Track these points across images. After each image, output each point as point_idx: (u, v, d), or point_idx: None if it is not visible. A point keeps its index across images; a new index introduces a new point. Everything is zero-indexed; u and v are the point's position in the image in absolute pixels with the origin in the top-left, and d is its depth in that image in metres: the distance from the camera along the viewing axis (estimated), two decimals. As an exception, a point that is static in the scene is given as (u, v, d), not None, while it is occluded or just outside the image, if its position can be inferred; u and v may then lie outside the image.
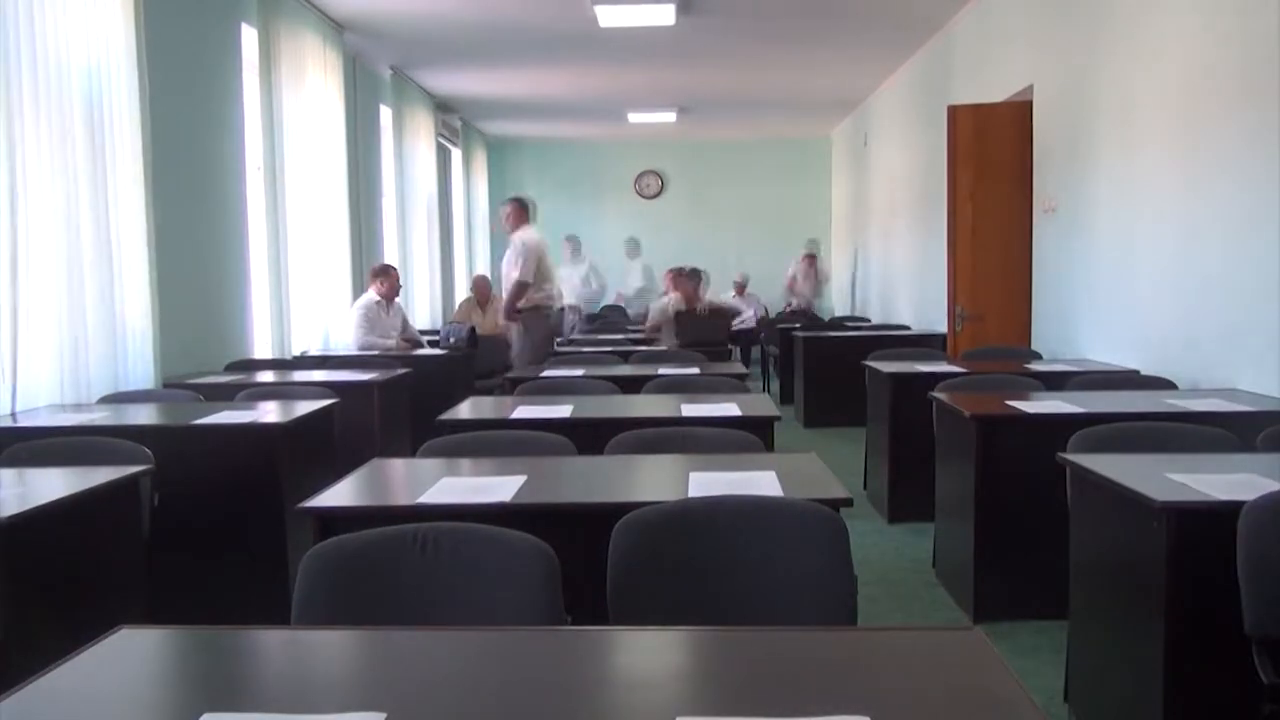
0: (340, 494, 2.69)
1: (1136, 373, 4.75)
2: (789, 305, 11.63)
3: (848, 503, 2.36)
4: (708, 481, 2.56)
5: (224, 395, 4.50)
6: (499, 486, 2.61)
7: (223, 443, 3.81)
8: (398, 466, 3.14)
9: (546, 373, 5.11)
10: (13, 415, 4.03)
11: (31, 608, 2.59)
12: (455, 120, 11.60)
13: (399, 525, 2.00)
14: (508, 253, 7.35)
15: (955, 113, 6.58)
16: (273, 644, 1.71)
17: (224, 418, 3.86)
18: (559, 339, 7.87)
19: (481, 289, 9.15)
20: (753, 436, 3.22)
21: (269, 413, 3.97)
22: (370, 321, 6.90)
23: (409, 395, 5.83)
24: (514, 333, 7.22)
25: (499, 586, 1.90)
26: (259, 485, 3.74)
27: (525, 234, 7.36)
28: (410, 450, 4.38)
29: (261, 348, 6.34)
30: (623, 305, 11.97)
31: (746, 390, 4.57)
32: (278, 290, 6.47)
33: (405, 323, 7.29)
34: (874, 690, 1.42)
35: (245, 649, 1.68)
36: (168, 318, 5.06)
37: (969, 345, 6.22)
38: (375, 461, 3.25)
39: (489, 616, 1.86)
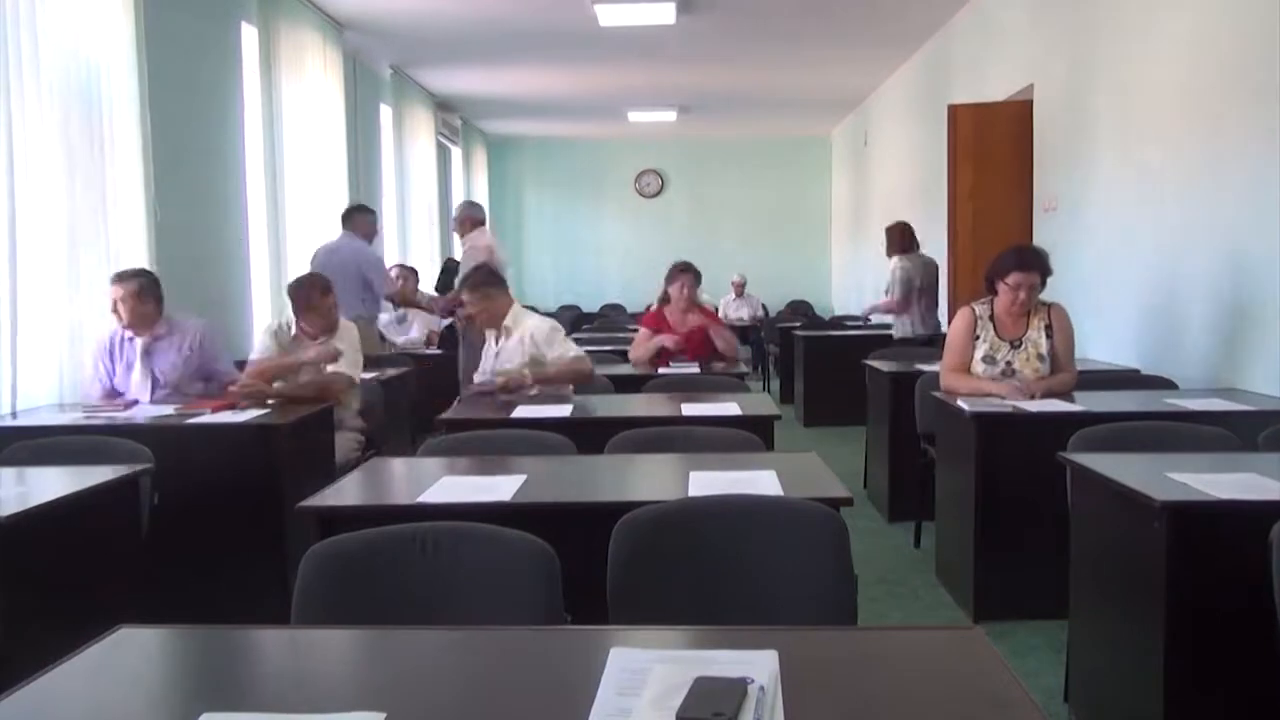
0: (340, 494, 2.69)
1: (1136, 373, 4.75)
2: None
3: (848, 502, 2.35)
4: (708, 481, 2.56)
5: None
6: (499, 486, 2.61)
7: (223, 442, 3.80)
8: (398, 466, 3.14)
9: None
10: (13, 415, 4.03)
11: (31, 608, 2.59)
12: (455, 119, 11.60)
13: (399, 525, 2.00)
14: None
15: (955, 112, 6.58)
16: (273, 644, 1.71)
17: (224, 417, 3.86)
18: None
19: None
20: (753, 436, 3.22)
21: (269, 412, 3.97)
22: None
23: (410, 394, 5.83)
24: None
25: (499, 586, 1.90)
26: (259, 485, 3.74)
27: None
28: (410, 449, 4.38)
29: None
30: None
31: (746, 390, 4.57)
32: (278, 289, 6.46)
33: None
34: (874, 690, 1.42)
35: (245, 649, 1.68)
36: (168, 317, 5.06)
37: (969, 345, 6.21)
38: (375, 461, 3.26)
39: (489, 616, 1.86)
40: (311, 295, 4.39)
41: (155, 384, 4.18)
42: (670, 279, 5.61)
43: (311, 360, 4.27)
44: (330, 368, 4.32)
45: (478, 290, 4.35)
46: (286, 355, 4.31)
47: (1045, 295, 4.16)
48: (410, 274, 8.31)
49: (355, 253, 6.28)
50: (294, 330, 4.41)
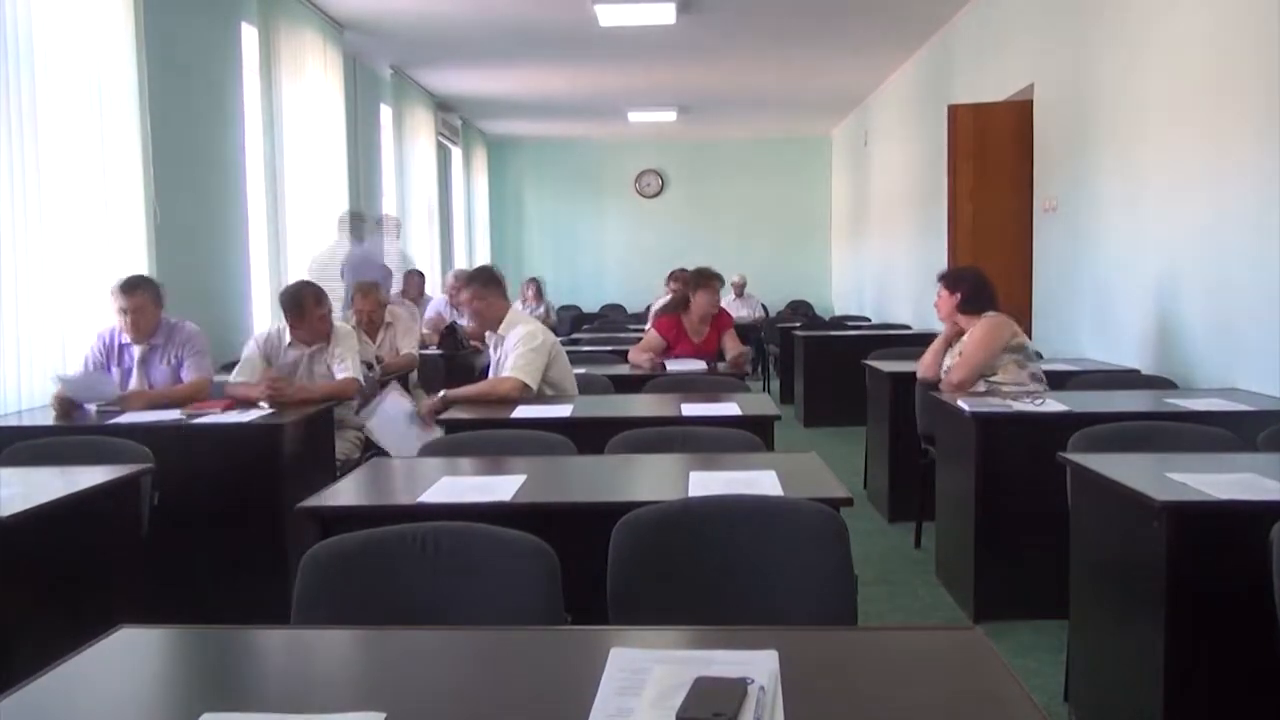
0: (340, 494, 2.69)
1: (1136, 373, 4.75)
2: None
3: (848, 502, 2.35)
4: (708, 481, 2.56)
5: (223, 395, 4.49)
6: (499, 486, 2.61)
7: (222, 442, 3.80)
8: (398, 466, 3.14)
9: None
10: (16, 415, 4.03)
11: (31, 607, 2.59)
12: (455, 119, 11.60)
13: (399, 525, 2.00)
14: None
15: (955, 112, 6.58)
16: (273, 644, 1.71)
17: (224, 417, 3.86)
18: None
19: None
20: (753, 436, 3.22)
21: (269, 413, 3.97)
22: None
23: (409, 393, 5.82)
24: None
25: (499, 586, 1.90)
26: (259, 485, 3.74)
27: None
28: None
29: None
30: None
31: (746, 390, 4.57)
32: (278, 290, 6.45)
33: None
34: (874, 690, 1.42)
35: (245, 649, 1.67)
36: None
37: (969, 345, 6.20)
38: (375, 461, 3.26)
39: (489, 616, 1.86)
40: (304, 305, 4.33)
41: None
42: (697, 285, 5.42)
43: (255, 397, 4.11)
44: (339, 374, 4.34)
45: (477, 292, 4.32)
46: (274, 374, 4.22)
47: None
48: (416, 276, 8.31)
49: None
50: (288, 338, 4.38)
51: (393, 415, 4.47)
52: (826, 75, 10.13)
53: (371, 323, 5.50)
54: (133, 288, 4.05)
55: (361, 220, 6.81)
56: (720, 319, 5.57)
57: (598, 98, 10.95)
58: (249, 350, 4.42)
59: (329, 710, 1.32)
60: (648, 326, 6.72)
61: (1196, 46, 4.44)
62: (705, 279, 5.45)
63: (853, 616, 2.03)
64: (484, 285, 4.31)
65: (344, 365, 4.35)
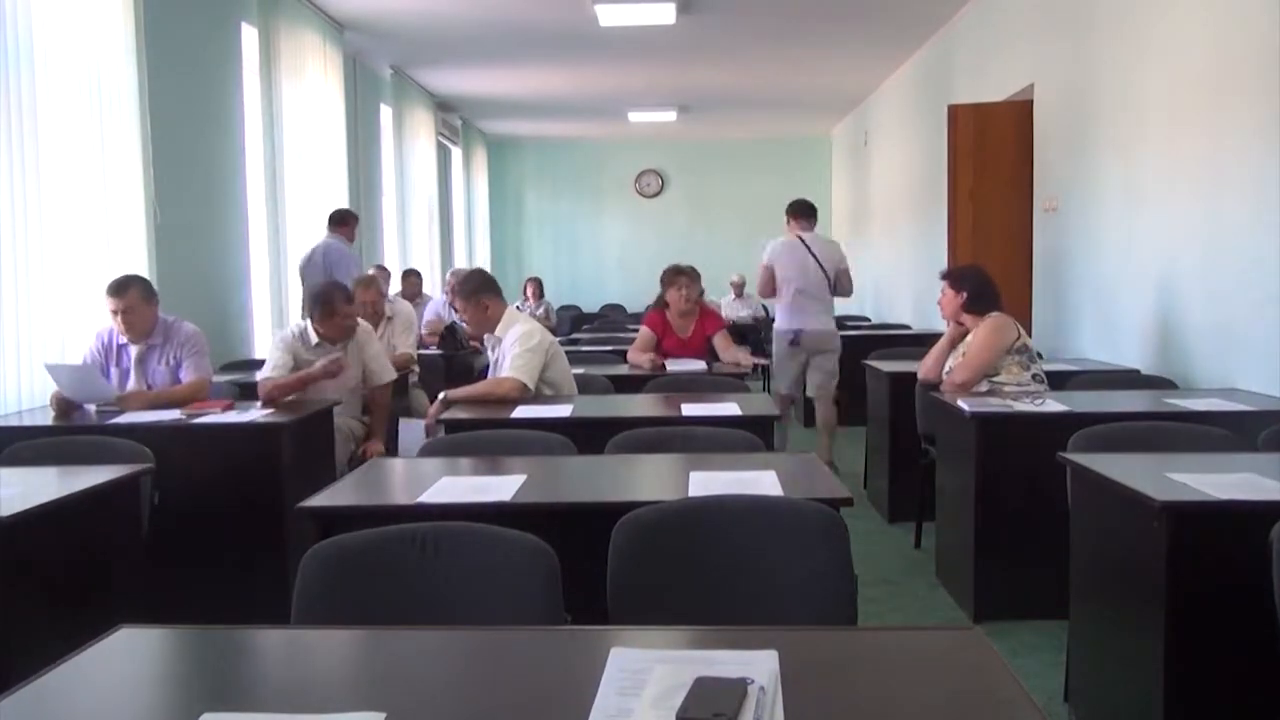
0: (340, 494, 2.69)
1: (1137, 373, 4.74)
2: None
3: (848, 502, 2.35)
4: (708, 481, 2.56)
5: (223, 395, 4.49)
6: (499, 486, 2.61)
7: (223, 442, 3.80)
8: (398, 466, 3.15)
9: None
10: (16, 415, 4.03)
11: (31, 607, 2.59)
12: (455, 119, 11.60)
13: (399, 525, 2.00)
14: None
15: (956, 112, 6.58)
16: (273, 644, 1.71)
17: (224, 417, 3.86)
18: None
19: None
20: (753, 436, 3.22)
21: (269, 412, 3.97)
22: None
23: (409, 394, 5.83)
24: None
25: (499, 586, 1.90)
26: (259, 485, 3.74)
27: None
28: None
29: (261, 348, 6.34)
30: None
31: (746, 390, 4.57)
32: (277, 290, 6.47)
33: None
34: (874, 690, 1.42)
35: (245, 649, 1.68)
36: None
37: (969, 345, 6.20)
38: (375, 461, 3.26)
39: (489, 616, 1.86)
40: (334, 304, 4.42)
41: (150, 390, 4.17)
42: (666, 283, 5.47)
43: (318, 376, 4.26)
44: (377, 372, 4.61)
45: (471, 298, 4.29)
46: (300, 368, 4.33)
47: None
48: (413, 276, 8.31)
49: (344, 255, 6.28)
50: (315, 340, 4.42)
51: (412, 440, 4.49)
52: (826, 75, 10.12)
53: (375, 314, 5.54)
54: (121, 288, 4.04)
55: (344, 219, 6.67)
56: (706, 320, 5.56)
57: (598, 98, 10.95)
58: (278, 349, 4.40)
59: (329, 710, 1.32)
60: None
61: (1196, 46, 4.44)
62: (672, 275, 5.49)
63: (853, 616, 2.03)
64: (475, 293, 4.27)
65: (383, 367, 4.66)
